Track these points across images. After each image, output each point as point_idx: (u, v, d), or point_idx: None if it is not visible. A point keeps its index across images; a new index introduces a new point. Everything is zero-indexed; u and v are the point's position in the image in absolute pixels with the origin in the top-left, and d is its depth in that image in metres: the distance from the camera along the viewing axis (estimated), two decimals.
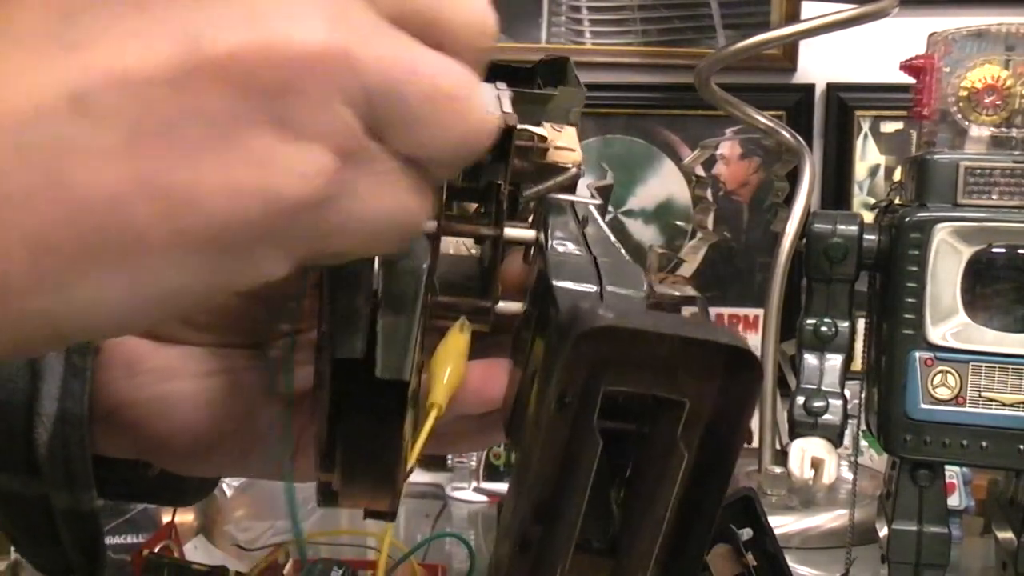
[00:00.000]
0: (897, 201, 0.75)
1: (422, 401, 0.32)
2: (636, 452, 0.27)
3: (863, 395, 0.76)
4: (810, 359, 0.73)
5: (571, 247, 0.31)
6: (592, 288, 0.29)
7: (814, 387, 0.72)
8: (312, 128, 0.22)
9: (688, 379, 0.25)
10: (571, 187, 0.32)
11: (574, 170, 0.32)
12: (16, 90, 0.20)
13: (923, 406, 0.69)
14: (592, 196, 0.33)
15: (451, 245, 0.35)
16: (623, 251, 0.32)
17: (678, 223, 1.33)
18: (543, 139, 0.32)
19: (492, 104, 0.28)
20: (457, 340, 0.32)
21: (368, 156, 0.23)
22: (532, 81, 0.37)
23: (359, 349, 0.28)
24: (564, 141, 0.32)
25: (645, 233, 1.33)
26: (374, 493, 0.30)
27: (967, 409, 0.68)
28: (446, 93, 0.24)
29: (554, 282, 0.28)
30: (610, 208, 1.32)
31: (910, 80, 0.74)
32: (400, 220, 0.25)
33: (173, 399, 0.38)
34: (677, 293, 1.25)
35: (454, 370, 0.31)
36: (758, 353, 1.12)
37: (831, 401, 0.71)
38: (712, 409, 0.25)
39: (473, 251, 0.37)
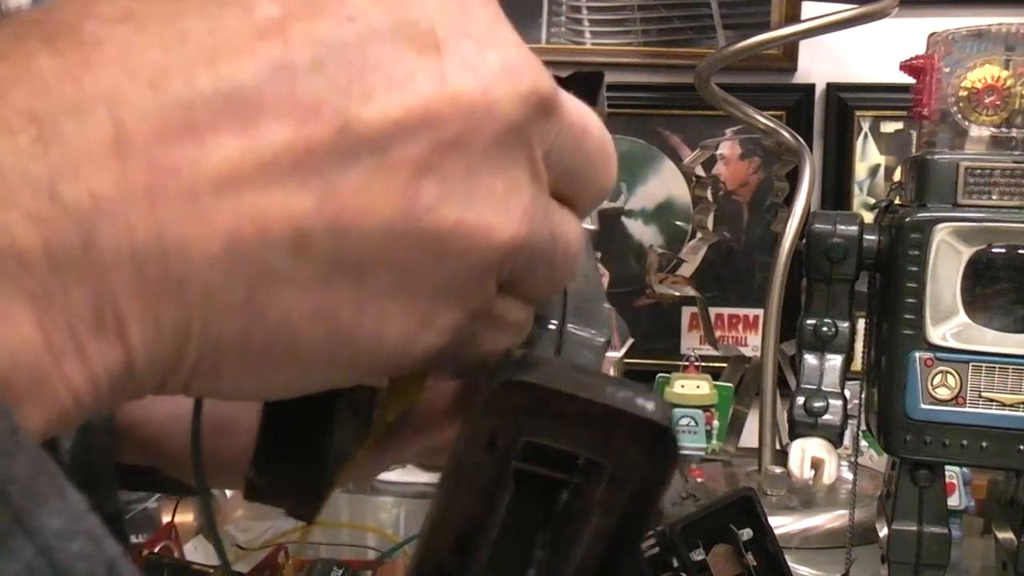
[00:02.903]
0: (897, 201, 0.75)
1: (379, 414, 0.31)
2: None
3: (863, 395, 0.75)
4: (810, 359, 0.73)
5: None
6: (552, 325, 0.30)
7: (814, 387, 0.72)
8: (465, 296, 0.24)
9: (612, 442, 0.24)
10: None
11: None
12: (249, 213, 0.20)
13: (923, 406, 0.69)
14: (590, 223, 0.34)
15: None
16: (603, 286, 0.32)
17: (678, 223, 1.33)
18: None
19: None
20: None
21: (492, 312, 0.25)
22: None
23: None
24: None
25: (645, 233, 1.33)
26: (296, 497, 0.30)
27: (967, 409, 0.68)
28: (574, 255, 0.26)
29: None
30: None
31: (910, 80, 0.74)
32: (494, 352, 0.26)
33: (184, 418, 0.38)
34: (677, 293, 1.25)
35: (411, 387, 0.31)
36: (758, 353, 1.12)
37: (831, 401, 0.71)
38: (638, 476, 0.24)
39: None
